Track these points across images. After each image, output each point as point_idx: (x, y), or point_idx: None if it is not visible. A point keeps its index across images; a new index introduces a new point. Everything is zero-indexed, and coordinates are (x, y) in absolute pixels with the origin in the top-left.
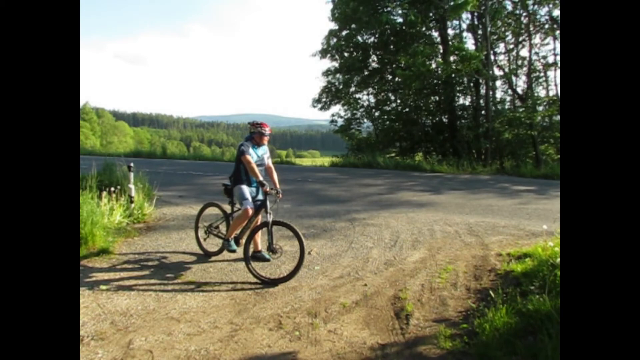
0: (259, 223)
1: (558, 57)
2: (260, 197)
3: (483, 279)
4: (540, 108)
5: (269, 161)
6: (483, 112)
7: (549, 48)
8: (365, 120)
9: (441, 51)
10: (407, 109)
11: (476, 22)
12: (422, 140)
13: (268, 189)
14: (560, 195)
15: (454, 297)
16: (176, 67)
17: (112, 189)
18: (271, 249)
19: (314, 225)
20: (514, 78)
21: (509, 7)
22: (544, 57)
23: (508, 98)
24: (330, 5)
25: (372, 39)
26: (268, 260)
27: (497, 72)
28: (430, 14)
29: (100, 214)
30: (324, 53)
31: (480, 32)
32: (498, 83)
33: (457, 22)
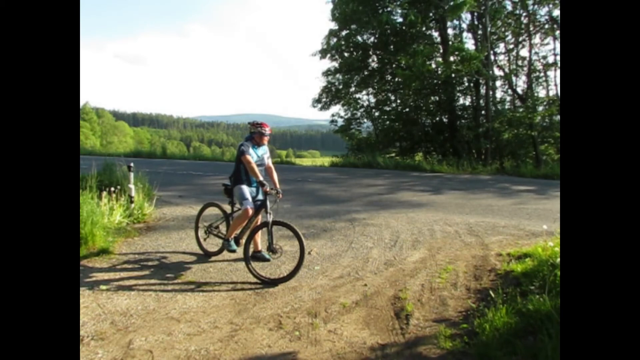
0: (259, 223)
1: (558, 57)
2: (260, 197)
3: (483, 279)
4: (540, 108)
5: (269, 161)
6: (483, 112)
7: (549, 48)
8: (365, 120)
9: (441, 51)
10: (407, 109)
11: (476, 22)
12: (422, 140)
13: (268, 189)
14: (560, 195)
15: (454, 297)
16: (176, 67)
17: (112, 189)
18: (271, 249)
19: (314, 225)
20: (514, 78)
21: (509, 7)
22: (544, 57)
23: (508, 98)
24: (330, 5)
25: (372, 39)
26: (268, 260)
27: (497, 72)
28: (430, 14)
29: (100, 214)
30: (323, 53)
31: (480, 32)
32: (498, 83)
33: (457, 22)
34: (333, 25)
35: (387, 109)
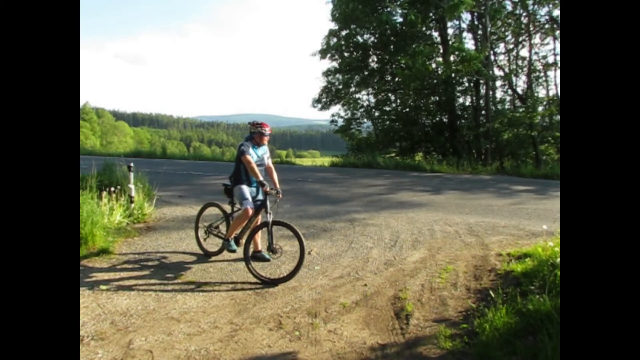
0: (259, 223)
1: (558, 57)
2: (260, 197)
3: (483, 279)
4: (540, 108)
5: (269, 161)
6: (483, 112)
7: (549, 48)
8: (365, 120)
9: (441, 51)
10: (407, 109)
11: (476, 22)
12: (422, 140)
13: (268, 189)
14: (560, 195)
15: (454, 297)
16: (176, 67)
17: (112, 189)
18: (271, 249)
19: (314, 225)
20: (514, 78)
21: (509, 7)
22: (544, 57)
23: (508, 98)
24: (330, 6)
25: (372, 39)
26: (268, 260)
27: (497, 72)
28: (430, 14)
29: (100, 214)
30: (323, 53)
31: (480, 32)
32: (498, 83)
33: (457, 22)
34: (333, 26)
35: (387, 109)
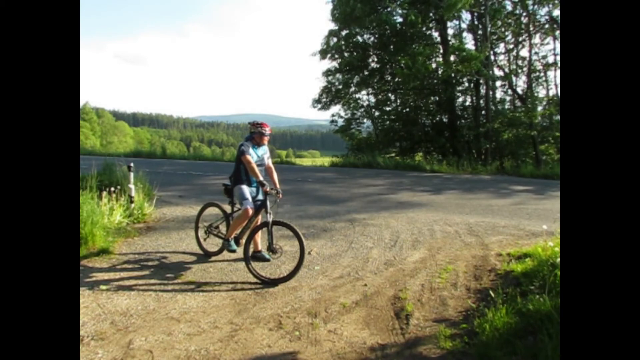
0: (259, 223)
1: (558, 57)
2: (260, 197)
3: (483, 279)
4: (540, 108)
5: (269, 161)
6: (483, 112)
7: (549, 48)
8: (365, 120)
9: (441, 51)
10: (407, 109)
11: (476, 22)
12: (422, 140)
13: (268, 189)
14: (560, 195)
15: (454, 297)
16: (176, 67)
17: (112, 189)
18: (271, 249)
19: (314, 225)
20: (514, 78)
21: (509, 7)
22: (544, 57)
23: (508, 98)
24: (330, 6)
25: (372, 39)
26: (268, 260)
27: (497, 72)
28: (430, 14)
29: (100, 214)
30: (323, 54)
31: (480, 32)
32: (498, 83)
33: (457, 22)
34: (333, 26)
35: (387, 109)
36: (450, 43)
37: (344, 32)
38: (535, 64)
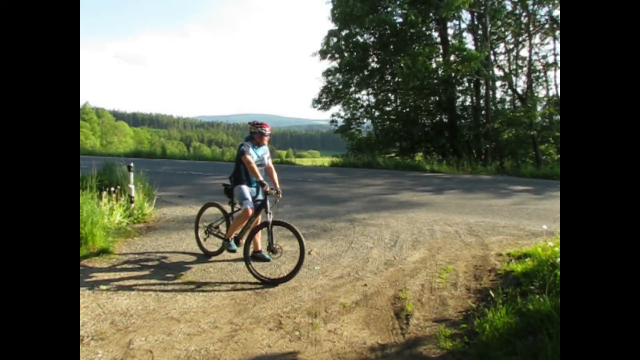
0: (259, 223)
1: (558, 57)
2: (260, 197)
3: (483, 279)
4: (540, 108)
5: (269, 161)
6: (483, 112)
7: (549, 48)
8: (365, 120)
9: (441, 51)
10: (407, 109)
11: (476, 22)
12: (422, 140)
13: (268, 189)
14: (560, 195)
15: (454, 297)
16: (176, 67)
17: (112, 189)
18: (271, 249)
19: (314, 225)
20: (514, 78)
21: (509, 7)
22: (544, 57)
23: (508, 98)
24: (330, 6)
25: (372, 39)
26: (268, 260)
27: (497, 72)
28: (430, 14)
29: (100, 214)
30: (323, 54)
31: (480, 32)
32: (498, 83)
33: (457, 22)
34: (333, 26)
35: (387, 109)
36: (450, 43)
37: (344, 32)
38: (535, 64)
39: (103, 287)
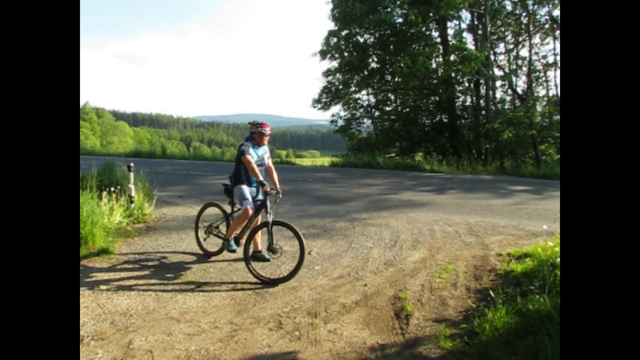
0: (259, 223)
1: (558, 57)
2: (260, 197)
3: (483, 279)
4: (539, 108)
5: (269, 161)
6: (483, 112)
7: (549, 48)
8: (365, 120)
9: (441, 51)
10: (407, 109)
11: (476, 22)
12: (422, 140)
13: (268, 189)
14: (560, 195)
15: (454, 297)
16: (176, 67)
17: (112, 189)
18: (271, 249)
19: (314, 225)
20: (514, 78)
21: (509, 7)
22: (544, 57)
23: (508, 98)
24: (330, 5)
25: (371, 39)
26: (268, 260)
27: (497, 72)
28: (430, 14)
29: (100, 214)
30: (323, 54)
31: (480, 32)
32: (498, 83)
33: (457, 22)
34: (333, 26)
35: (387, 109)
36: (450, 43)
37: (343, 32)
38: (535, 64)
39: (103, 287)
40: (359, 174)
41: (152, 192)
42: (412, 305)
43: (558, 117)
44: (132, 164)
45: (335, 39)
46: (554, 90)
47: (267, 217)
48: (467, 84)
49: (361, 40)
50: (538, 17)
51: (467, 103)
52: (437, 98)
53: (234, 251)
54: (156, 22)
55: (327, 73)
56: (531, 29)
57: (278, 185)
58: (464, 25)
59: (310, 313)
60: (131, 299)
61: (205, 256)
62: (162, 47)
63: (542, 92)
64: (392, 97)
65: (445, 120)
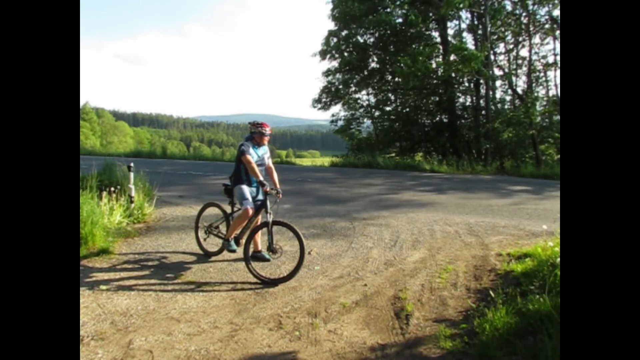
0: (259, 223)
1: (558, 57)
2: (260, 197)
3: (483, 279)
4: (539, 108)
5: (269, 161)
6: (483, 112)
7: (549, 48)
8: (365, 120)
9: (441, 51)
10: (407, 109)
11: (476, 22)
12: (422, 140)
13: (268, 189)
14: (560, 195)
15: (454, 297)
16: (176, 67)
17: (112, 189)
18: (271, 249)
19: (314, 225)
20: (513, 78)
21: (509, 7)
22: (544, 57)
23: (508, 98)
24: (330, 5)
25: (371, 39)
26: (268, 260)
27: (497, 72)
28: (430, 14)
29: (100, 214)
30: (323, 54)
31: (480, 32)
32: (498, 83)
33: (457, 22)
34: (333, 26)
35: (387, 109)
36: (451, 43)
37: (343, 32)
38: (535, 64)
39: (103, 287)
40: (359, 174)
41: (152, 192)
42: (412, 305)
43: (558, 117)
44: (132, 164)
45: (335, 39)
46: (554, 90)
47: (267, 217)
48: (467, 84)
49: (361, 40)
50: (538, 17)
51: (467, 103)
52: (437, 98)
53: (234, 251)
54: (156, 22)
55: (327, 73)
56: (531, 29)
57: (278, 185)
58: (464, 25)
59: (310, 313)
60: (131, 299)
61: (205, 256)
62: (162, 47)
63: (542, 92)
64: (392, 97)
65: (445, 120)
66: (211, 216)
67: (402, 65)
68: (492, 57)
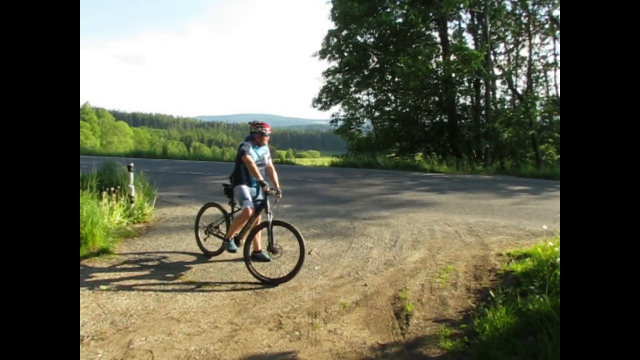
0: (259, 223)
1: (558, 57)
2: (260, 197)
3: (483, 279)
4: (539, 108)
5: (269, 161)
6: (483, 112)
7: (549, 48)
8: (365, 120)
9: (441, 51)
10: (407, 109)
11: (476, 22)
12: (422, 140)
13: (268, 189)
14: (560, 195)
15: (454, 297)
16: (176, 67)
17: (112, 189)
18: (271, 249)
19: (314, 225)
20: (513, 78)
21: (509, 7)
22: (544, 57)
23: (508, 98)
24: (330, 6)
25: (371, 39)
26: (268, 260)
27: (497, 72)
28: (430, 14)
29: (100, 214)
30: (323, 54)
31: (480, 32)
32: (498, 83)
33: (457, 22)
34: (333, 26)
35: (387, 109)
36: (450, 43)
37: (344, 32)
38: (535, 64)
39: (103, 287)
40: (359, 174)
41: (152, 192)
42: (412, 305)
43: (558, 117)
44: (132, 164)
45: (335, 39)
46: (554, 90)
47: (267, 217)
48: (467, 84)
49: (361, 40)
50: (538, 17)
51: (467, 103)
52: (437, 98)
53: (234, 251)
54: (156, 22)
55: (327, 73)
56: (531, 29)
57: (278, 185)
58: (464, 25)
59: (310, 313)
60: (131, 299)
61: (205, 256)
62: (162, 47)
63: (542, 92)
64: (392, 97)
65: (445, 120)
66: (211, 216)
67: (402, 65)
68: (492, 57)
